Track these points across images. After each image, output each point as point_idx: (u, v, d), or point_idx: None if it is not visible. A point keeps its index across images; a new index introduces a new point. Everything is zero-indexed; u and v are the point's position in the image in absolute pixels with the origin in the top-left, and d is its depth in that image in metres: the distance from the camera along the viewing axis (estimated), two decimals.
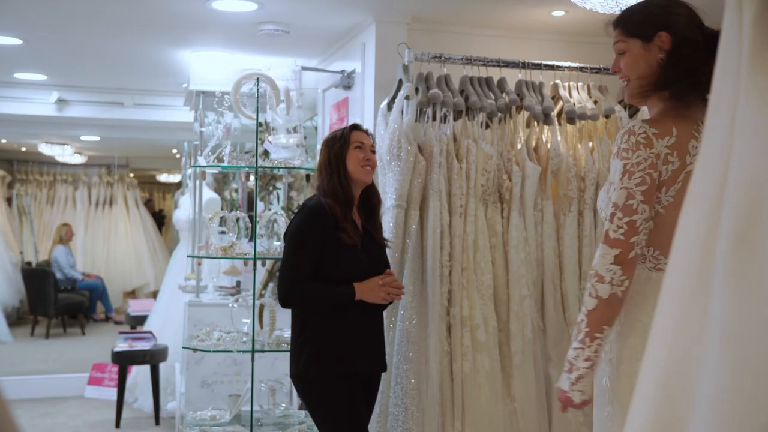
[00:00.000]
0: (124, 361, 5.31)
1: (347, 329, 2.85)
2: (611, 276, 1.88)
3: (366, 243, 2.94)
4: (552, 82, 3.80)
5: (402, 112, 3.47)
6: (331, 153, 2.92)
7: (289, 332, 4.18)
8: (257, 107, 4.15)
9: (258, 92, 4.14)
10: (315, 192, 2.99)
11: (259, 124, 4.26)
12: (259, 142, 4.30)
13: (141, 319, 6.91)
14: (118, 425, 5.35)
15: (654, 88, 1.99)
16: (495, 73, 3.68)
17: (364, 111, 4.05)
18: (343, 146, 2.92)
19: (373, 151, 3.00)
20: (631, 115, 3.79)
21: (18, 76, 5.89)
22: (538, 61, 3.73)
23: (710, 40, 1.97)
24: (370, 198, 3.03)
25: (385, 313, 3.40)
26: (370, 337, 2.92)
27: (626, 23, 2.04)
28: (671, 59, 1.96)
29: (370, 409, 3.04)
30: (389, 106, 3.60)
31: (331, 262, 2.83)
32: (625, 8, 2.12)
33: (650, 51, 1.98)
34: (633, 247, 1.89)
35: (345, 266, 2.85)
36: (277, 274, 3.13)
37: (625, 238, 1.88)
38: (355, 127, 2.99)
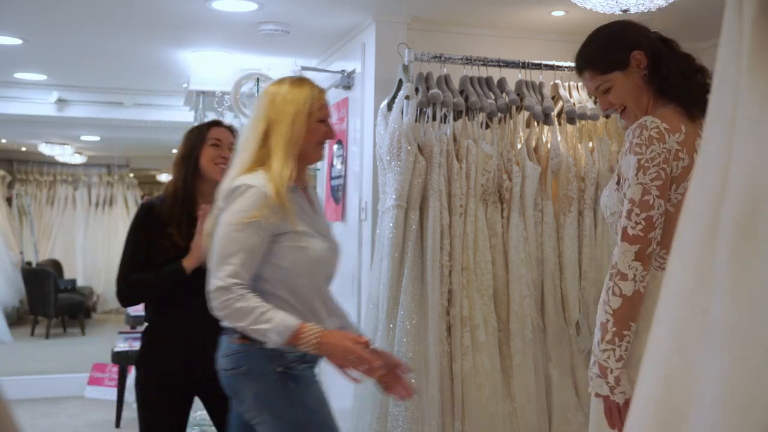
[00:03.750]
0: (124, 361, 5.31)
1: (175, 325, 2.74)
2: (633, 273, 1.88)
3: None
4: (552, 82, 3.80)
5: (402, 112, 3.47)
6: (187, 148, 2.82)
7: None
8: None
9: (258, 92, 4.14)
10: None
11: None
12: None
13: (141, 319, 6.90)
14: (118, 425, 5.35)
15: (650, 101, 2.04)
16: (495, 73, 3.68)
17: (364, 111, 4.05)
18: (199, 142, 2.80)
19: (233, 149, 2.82)
20: None
21: (18, 76, 5.89)
22: (538, 61, 3.73)
23: (666, 42, 2.06)
24: None
25: (384, 312, 3.40)
26: (201, 333, 2.63)
27: (595, 65, 2.07)
28: (652, 73, 2.02)
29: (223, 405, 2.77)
30: (389, 106, 3.60)
31: (162, 264, 2.72)
32: (580, 51, 2.13)
33: (632, 74, 2.03)
34: (651, 242, 1.89)
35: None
36: None
37: (644, 234, 1.88)
38: (216, 124, 2.88)
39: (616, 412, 1.90)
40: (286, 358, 2.13)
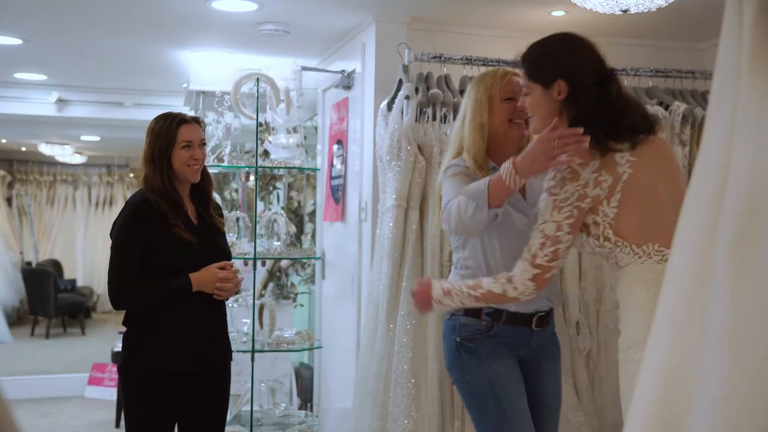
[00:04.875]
0: None
1: (171, 324, 2.69)
2: (524, 288, 2.10)
3: (203, 233, 2.79)
4: None
5: (402, 112, 3.47)
6: (155, 149, 2.73)
7: (290, 332, 4.20)
8: (257, 107, 4.15)
9: (258, 92, 4.14)
10: (142, 185, 2.80)
11: (259, 124, 4.26)
12: (259, 142, 4.30)
13: None
14: (118, 425, 5.35)
15: (561, 125, 2.10)
16: None
17: (364, 111, 4.05)
18: (169, 144, 2.73)
19: (204, 144, 2.84)
20: None
21: (18, 76, 5.89)
22: None
23: (606, 80, 2.09)
24: (203, 184, 2.87)
25: (384, 312, 3.40)
26: (197, 332, 2.74)
27: (529, 67, 2.17)
28: (567, 104, 2.08)
29: (214, 405, 2.83)
30: (389, 106, 3.59)
31: (165, 260, 2.68)
32: (530, 46, 2.20)
33: (550, 96, 2.10)
34: (552, 269, 2.08)
35: (180, 262, 2.70)
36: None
37: (548, 263, 2.07)
38: (183, 121, 2.78)
39: (427, 304, 2.29)
40: (466, 330, 2.45)
